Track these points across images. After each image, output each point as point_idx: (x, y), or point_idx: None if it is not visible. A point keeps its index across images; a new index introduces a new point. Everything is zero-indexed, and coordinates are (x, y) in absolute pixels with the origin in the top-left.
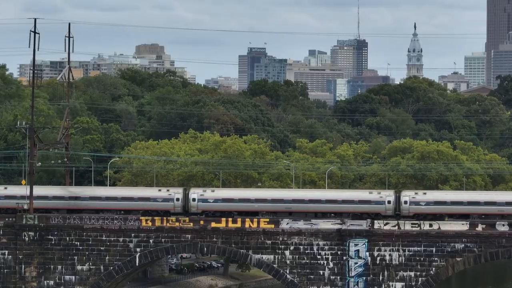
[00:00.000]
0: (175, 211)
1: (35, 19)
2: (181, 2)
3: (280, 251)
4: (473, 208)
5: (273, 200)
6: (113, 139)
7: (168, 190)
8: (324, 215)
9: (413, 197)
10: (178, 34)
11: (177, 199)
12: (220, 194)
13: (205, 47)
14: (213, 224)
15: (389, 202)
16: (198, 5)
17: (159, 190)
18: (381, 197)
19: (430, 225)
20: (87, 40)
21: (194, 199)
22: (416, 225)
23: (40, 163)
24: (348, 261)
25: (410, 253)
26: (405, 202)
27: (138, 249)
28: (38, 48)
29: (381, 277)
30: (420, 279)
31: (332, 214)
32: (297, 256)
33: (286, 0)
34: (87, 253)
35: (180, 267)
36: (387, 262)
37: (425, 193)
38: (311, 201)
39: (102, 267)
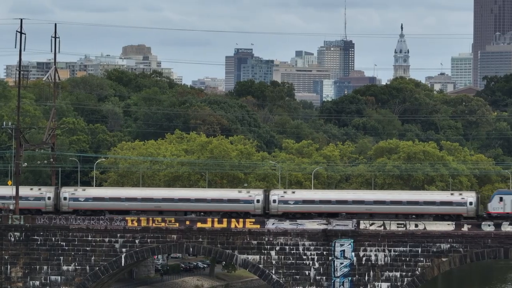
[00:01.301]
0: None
1: (21, 20)
2: (169, 3)
3: (266, 252)
4: (341, 207)
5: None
6: (99, 140)
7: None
8: (196, 214)
9: (282, 196)
10: (165, 35)
11: (258, 201)
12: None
13: (192, 48)
14: (199, 225)
15: (258, 201)
16: (186, 6)
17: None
18: (250, 196)
19: (416, 225)
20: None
21: (274, 201)
22: (402, 225)
23: (26, 164)
24: (334, 261)
25: (396, 253)
26: (274, 201)
27: (124, 250)
28: (24, 49)
29: (366, 277)
30: (405, 279)
31: (202, 214)
32: (282, 257)
33: (274, 1)
34: (73, 253)
35: (166, 267)
36: (373, 262)
37: (293, 192)
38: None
39: (87, 267)
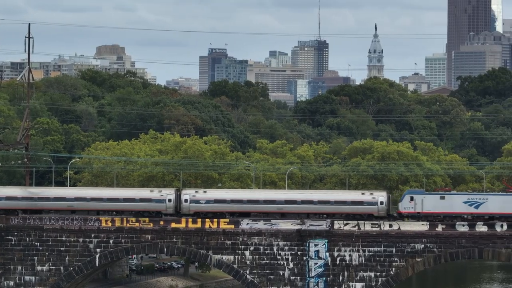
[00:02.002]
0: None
1: None
2: (144, 4)
3: (240, 252)
4: (253, 206)
5: None
6: (73, 140)
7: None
8: (105, 213)
9: (194, 196)
10: (140, 35)
11: (169, 200)
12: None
13: (166, 48)
14: (173, 225)
15: (169, 200)
16: (161, 7)
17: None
18: (162, 195)
19: (390, 226)
20: (48, 41)
21: (186, 200)
22: (376, 226)
23: (0, 164)
24: (308, 261)
25: (370, 253)
26: (186, 201)
27: (98, 250)
28: None
29: (341, 278)
30: (380, 279)
31: (115, 213)
32: (257, 257)
33: (249, 1)
34: (47, 253)
35: (141, 267)
36: (347, 262)
37: (205, 192)
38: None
39: (62, 267)
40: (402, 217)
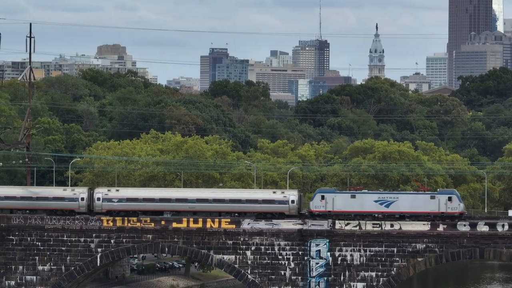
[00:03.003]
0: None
1: None
2: (145, 3)
3: (241, 251)
4: (165, 205)
5: None
6: (75, 140)
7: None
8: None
9: (106, 194)
10: (141, 35)
11: (82, 199)
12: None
13: (167, 47)
14: (174, 224)
15: (82, 199)
16: (162, 6)
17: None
18: (74, 194)
19: (391, 225)
20: (49, 40)
21: (98, 199)
22: (378, 225)
23: (1, 164)
24: (309, 261)
25: (371, 253)
26: (98, 199)
27: (99, 249)
28: None
29: (342, 277)
30: (381, 279)
31: (28, 211)
32: (258, 256)
33: (250, 1)
34: (48, 253)
35: (142, 267)
36: (348, 262)
37: (118, 190)
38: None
39: (63, 267)
40: (313, 216)
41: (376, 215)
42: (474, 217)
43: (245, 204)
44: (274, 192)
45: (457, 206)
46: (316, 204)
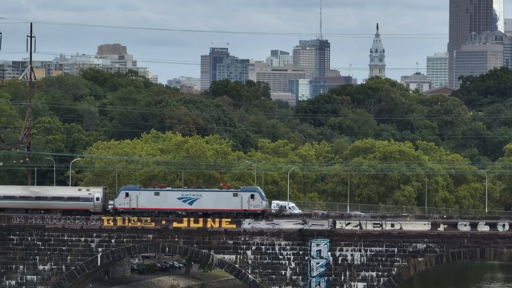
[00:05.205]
0: None
1: None
2: (147, 3)
3: (242, 251)
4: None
5: None
6: (75, 139)
7: None
8: None
9: None
10: (142, 34)
11: None
12: None
13: (168, 47)
14: (175, 224)
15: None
16: (164, 6)
17: None
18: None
19: (392, 225)
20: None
21: None
22: (378, 225)
23: (1, 163)
24: (310, 261)
25: (372, 253)
26: None
27: (100, 249)
28: (0, 48)
29: (342, 277)
30: (382, 279)
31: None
32: (259, 256)
33: (251, 0)
34: (48, 253)
35: (142, 267)
36: (349, 262)
37: None
38: None
39: (64, 267)
40: (117, 213)
41: (179, 212)
42: (475, 217)
43: (51, 201)
44: (79, 190)
45: (259, 203)
46: (121, 201)
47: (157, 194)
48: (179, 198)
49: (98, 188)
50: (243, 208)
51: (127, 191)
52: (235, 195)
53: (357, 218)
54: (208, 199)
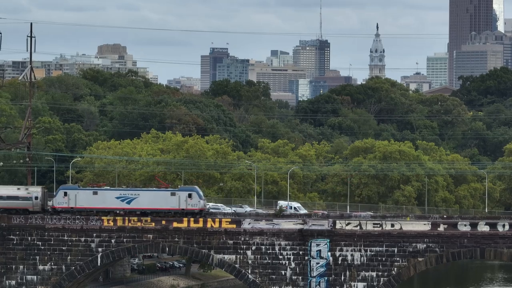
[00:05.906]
0: None
1: None
2: (147, 3)
3: (242, 251)
4: None
5: None
6: (75, 139)
7: None
8: None
9: None
10: (142, 34)
11: None
12: None
13: (168, 47)
14: (175, 224)
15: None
16: (164, 6)
17: None
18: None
19: (392, 225)
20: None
21: None
22: (378, 225)
23: (1, 163)
24: (310, 261)
25: (372, 253)
26: None
27: (100, 249)
28: (0, 48)
29: (343, 277)
30: (382, 279)
31: None
32: (259, 256)
33: (251, 0)
34: (48, 253)
35: (142, 267)
36: (349, 262)
37: None
38: None
39: (64, 267)
40: (56, 212)
41: (118, 212)
42: (475, 217)
43: None
44: (18, 189)
45: (197, 202)
46: (59, 201)
47: (95, 193)
48: (117, 198)
49: (37, 187)
50: (181, 207)
51: (65, 191)
52: (173, 194)
53: (367, 219)
54: (146, 198)
